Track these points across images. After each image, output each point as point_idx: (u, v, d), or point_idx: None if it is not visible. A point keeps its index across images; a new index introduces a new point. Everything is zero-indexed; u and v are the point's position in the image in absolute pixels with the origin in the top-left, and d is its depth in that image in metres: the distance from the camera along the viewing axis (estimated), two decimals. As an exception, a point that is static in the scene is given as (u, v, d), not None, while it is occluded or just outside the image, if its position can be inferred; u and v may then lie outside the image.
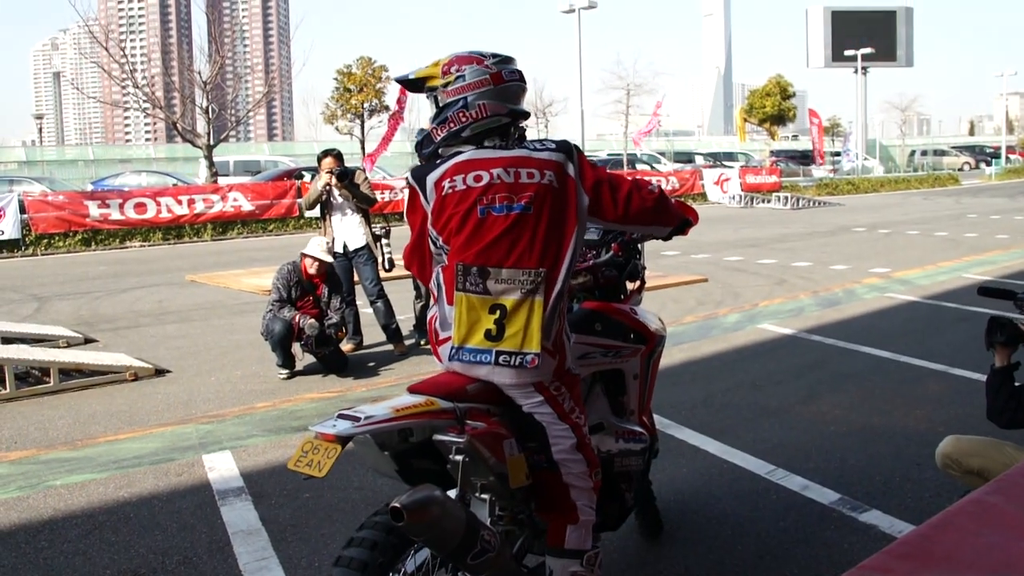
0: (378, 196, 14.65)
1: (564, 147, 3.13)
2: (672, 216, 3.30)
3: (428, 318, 3.19)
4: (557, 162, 3.10)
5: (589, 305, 3.60)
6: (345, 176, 8.81)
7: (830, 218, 25.85)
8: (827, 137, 58.15)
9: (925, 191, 41.87)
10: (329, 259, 8.21)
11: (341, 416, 2.80)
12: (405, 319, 10.20)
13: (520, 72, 3.17)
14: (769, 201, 31.97)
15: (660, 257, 16.22)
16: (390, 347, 9.15)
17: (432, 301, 3.15)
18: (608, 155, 45.17)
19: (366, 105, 30.50)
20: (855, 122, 58.16)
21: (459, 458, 2.81)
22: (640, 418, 3.66)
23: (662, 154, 47.01)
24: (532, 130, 38.91)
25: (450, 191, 3.05)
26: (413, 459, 2.89)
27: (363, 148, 30.62)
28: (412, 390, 3.00)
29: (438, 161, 3.12)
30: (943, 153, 68.96)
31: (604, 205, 3.13)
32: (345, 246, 9.08)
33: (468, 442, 2.81)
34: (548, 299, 2.98)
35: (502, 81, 3.10)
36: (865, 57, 59.74)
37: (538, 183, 3.05)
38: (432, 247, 3.13)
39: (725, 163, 46.13)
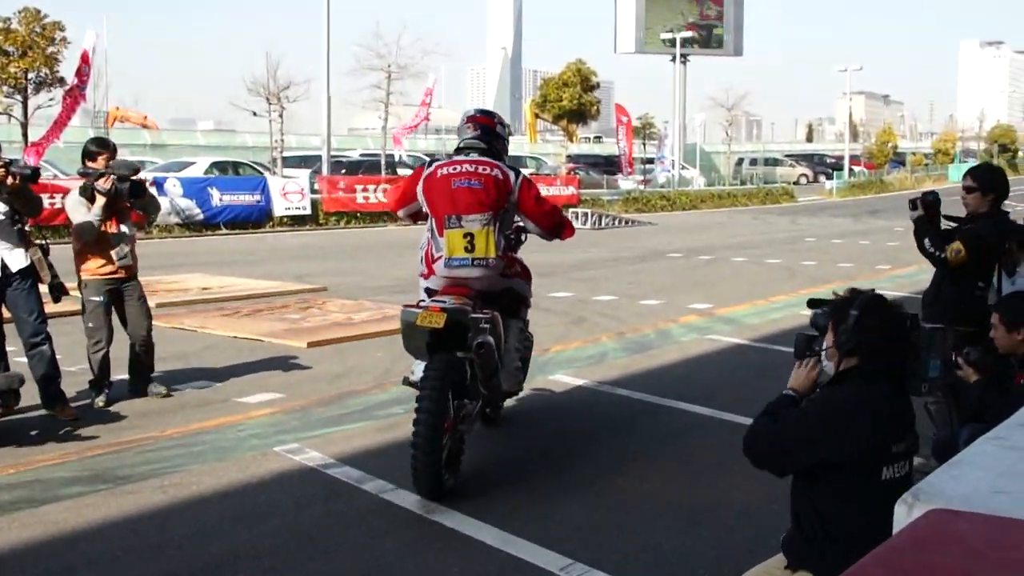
0: (45, 201, 13.84)
1: (514, 169, 7.55)
2: (557, 229, 7.81)
3: (424, 250, 7.44)
4: (504, 169, 7.45)
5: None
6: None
7: (640, 241, 26.53)
8: (637, 140, 58.94)
9: (755, 209, 44.34)
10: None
11: (435, 301, 6.99)
12: (78, 371, 9.63)
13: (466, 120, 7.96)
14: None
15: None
16: (45, 412, 8.56)
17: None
18: (362, 155, 44.68)
19: (31, 75, 28.89)
20: (672, 123, 59.02)
21: (487, 326, 6.95)
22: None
23: (432, 156, 46.57)
24: (264, 119, 37.94)
25: (441, 175, 7.42)
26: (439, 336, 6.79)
27: (25, 134, 28.99)
28: (444, 292, 7.17)
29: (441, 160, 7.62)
30: (776, 163, 73.01)
31: (524, 202, 7.54)
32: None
33: (492, 316, 7.14)
34: (495, 228, 7.27)
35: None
36: (685, 43, 61.48)
37: (487, 175, 7.36)
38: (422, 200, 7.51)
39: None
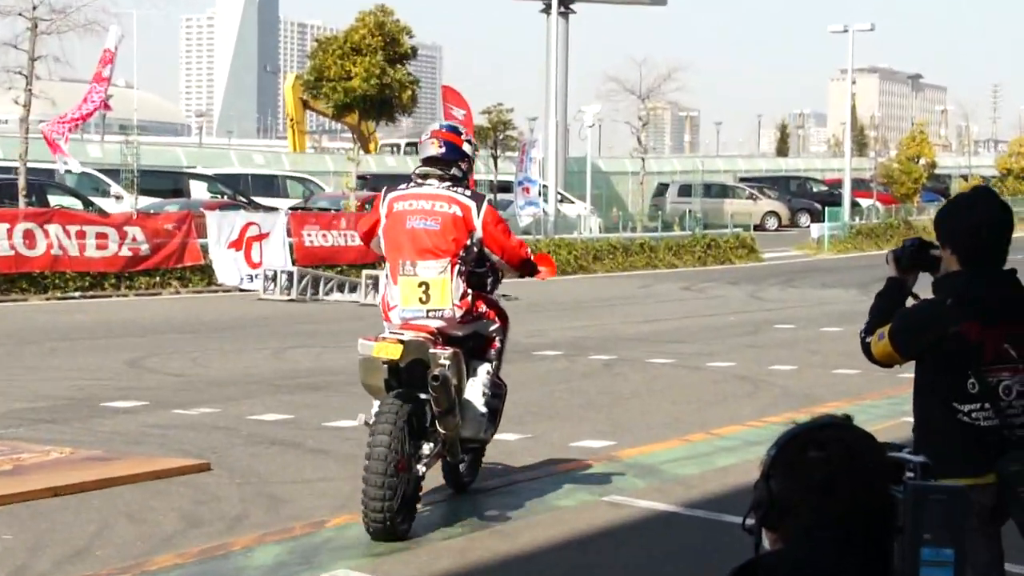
0: None
1: (476, 197, 8.45)
2: (524, 268, 8.78)
3: (381, 296, 8.55)
4: (463, 202, 8.22)
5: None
6: None
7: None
8: (484, 151, 42.12)
9: (688, 272, 35.44)
10: None
11: (392, 333, 7.97)
12: None
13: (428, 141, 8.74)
14: (344, 289, 25.37)
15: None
16: None
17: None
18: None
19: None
20: (543, 120, 45.98)
21: (446, 361, 7.79)
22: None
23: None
24: None
25: (397, 211, 8.38)
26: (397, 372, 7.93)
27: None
28: (404, 328, 8.04)
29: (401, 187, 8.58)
30: (726, 192, 56.06)
31: (490, 239, 8.36)
32: None
33: (453, 352, 7.92)
34: (451, 275, 8.19)
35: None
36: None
37: (444, 212, 8.20)
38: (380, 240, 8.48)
39: (239, 201, 34.50)
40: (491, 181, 40.51)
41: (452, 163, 8.19)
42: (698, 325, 22.06)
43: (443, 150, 8.19)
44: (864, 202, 53.44)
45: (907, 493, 3.08)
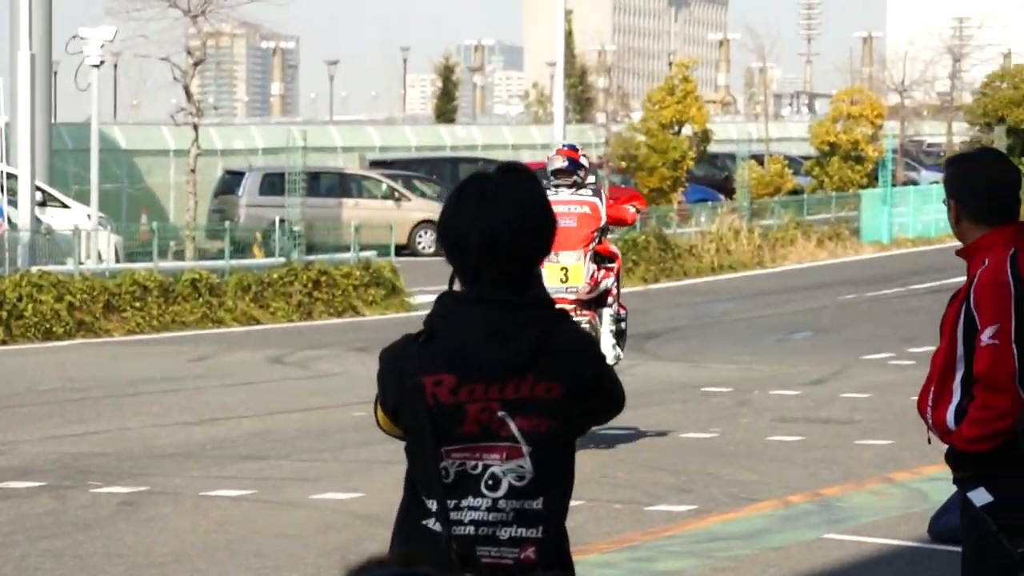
0: None
1: (596, 191, 13.16)
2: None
3: None
4: (592, 202, 12.85)
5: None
6: None
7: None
8: None
9: (284, 330, 23.74)
10: None
11: None
12: None
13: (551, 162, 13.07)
14: None
15: None
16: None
17: None
18: None
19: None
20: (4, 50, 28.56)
21: (586, 325, 12.03)
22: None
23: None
24: None
25: None
26: None
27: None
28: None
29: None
30: (349, 188, 38.87)
31: (610, 219, 13.39)
32: None
33: (590, 317, 12.59)
34: (585, 260, 12.88)
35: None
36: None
37: (579, 212, 12.72)
38: None
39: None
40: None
41: (574, 172, 12.31)
42: (296, 426, 14.87)
43: (566, 163, 12.32)
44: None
45: None
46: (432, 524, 3.52)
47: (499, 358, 3.46)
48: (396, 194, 38.71)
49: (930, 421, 5.20)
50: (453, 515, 3.48)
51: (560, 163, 12.30)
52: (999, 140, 44.93)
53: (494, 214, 3.38)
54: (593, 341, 4.08)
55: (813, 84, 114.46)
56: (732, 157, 45.25)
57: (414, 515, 3.59)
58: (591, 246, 12.21)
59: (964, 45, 69.13)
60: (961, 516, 5.28)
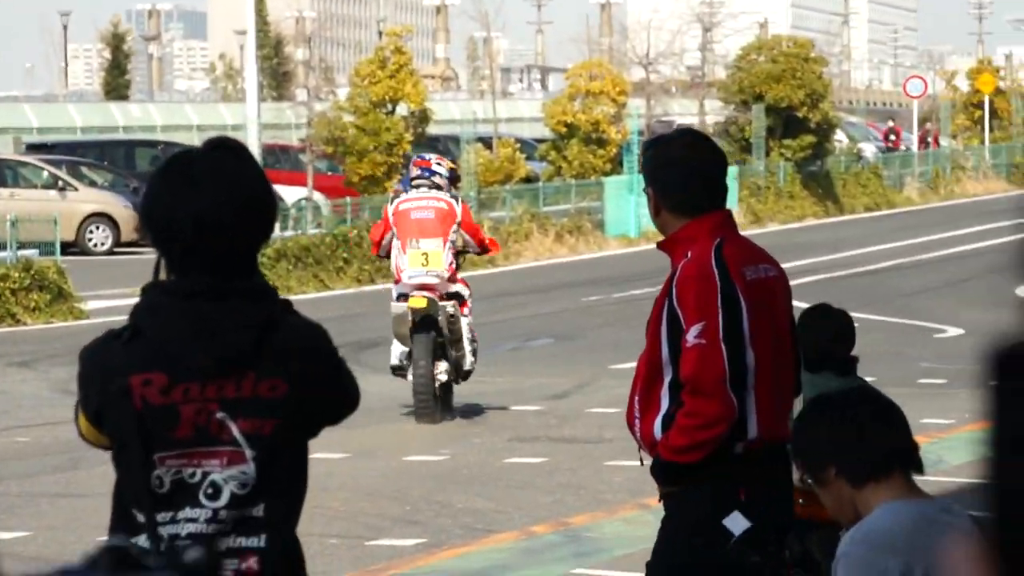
0: None
1: (455, 197, 15.33)
2: (482, 247, 15.46)
3: (394, 264, 14.82)
4: (449, 200, 14.89)
5: None
6: None
7: None
8: None
9: None
10: None
11: (416, 292, 14.43)
12: None
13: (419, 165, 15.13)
14: None
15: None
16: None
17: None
18: None
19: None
20: None
21: (452, 309, 14.80)
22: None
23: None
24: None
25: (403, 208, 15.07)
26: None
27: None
28: (421, 289, 14.42)
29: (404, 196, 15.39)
30: (3, 175, 35.46)
31: (465, 225, 15.05)
32: None
33: (454, 303, 14.95)
34: (444, 249, 14.64)
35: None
36: None
37: (435, 206, 14.78)
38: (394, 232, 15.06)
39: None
40: None
41: (429, 177, 14.35)
42: None
43: (419, 171, 14.46)
44: (294, 192, 36.25)
45: None
46: (143, 541, 3.25)
47: (212, 353, 3.28)
48: (60, 183, 35.29)
49: (638, 435, 4.90)
50: (169, 528, 3.28)
51: (415, 172, 14.54)
52: (757, 119, 43.28)
53: (202, 195, 3.21)
54: (322, 334, 3.61)
55: (545, 57, 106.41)
56: (456, 140, 42.37)
57: (122, 532, 3.36)
58: (449, 239, 13.97)
59: (715, 13, 61.23)
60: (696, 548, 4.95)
